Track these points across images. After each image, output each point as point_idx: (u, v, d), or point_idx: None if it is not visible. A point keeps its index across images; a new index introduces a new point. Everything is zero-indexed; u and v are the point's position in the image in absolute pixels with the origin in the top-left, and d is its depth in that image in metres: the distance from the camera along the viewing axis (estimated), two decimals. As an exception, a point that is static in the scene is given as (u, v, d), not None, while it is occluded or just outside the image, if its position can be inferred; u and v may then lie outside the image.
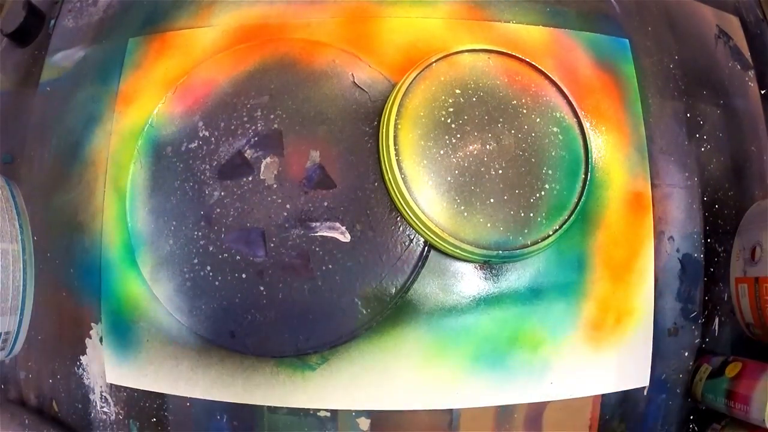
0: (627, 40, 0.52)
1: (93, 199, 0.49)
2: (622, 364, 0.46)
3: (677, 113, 0.51)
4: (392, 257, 0.45)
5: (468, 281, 0.45)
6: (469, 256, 0.43)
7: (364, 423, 0.44)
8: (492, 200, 0.43)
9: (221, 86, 0.48)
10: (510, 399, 0.45)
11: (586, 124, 0.46)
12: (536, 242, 0.43)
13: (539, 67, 0.47)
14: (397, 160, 0.42)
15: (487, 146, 0.44)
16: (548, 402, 0.45)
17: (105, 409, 0.49)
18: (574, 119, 0.46)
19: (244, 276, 0.45)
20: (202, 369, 0.45)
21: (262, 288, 0.45)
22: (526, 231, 0.43)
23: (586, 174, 0.45)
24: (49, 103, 0.54)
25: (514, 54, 0.47)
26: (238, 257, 0.45)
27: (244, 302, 0.45)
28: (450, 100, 0.44)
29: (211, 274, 0.45)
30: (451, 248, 0.43)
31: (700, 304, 0.49)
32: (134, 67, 0.51)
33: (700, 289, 0.49)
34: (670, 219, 0.49)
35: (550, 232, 0.43)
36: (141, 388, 0.47)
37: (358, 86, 0.47)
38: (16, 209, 0.51)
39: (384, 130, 0.44)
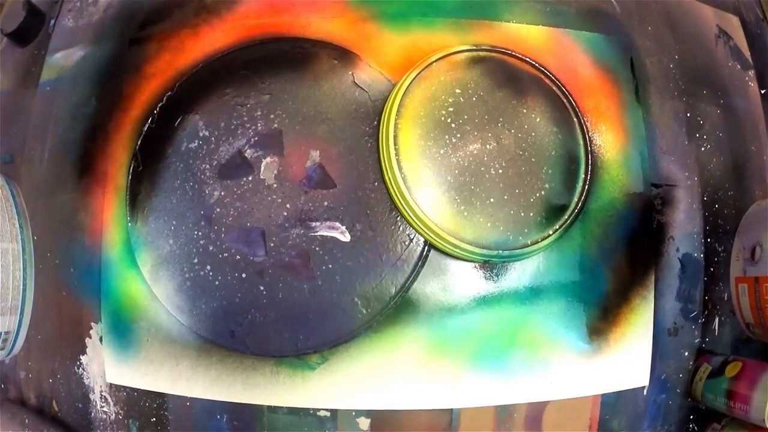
0: (627, 40, 0.52)
1: (93, 199, 0.49)
2: (622, 364, 0.46)
3: (677, 113, 0.51)
4: (392, 257, 0.45)
5: (468, 281, 0.45)
6: (469, 255, 0.43)
7: (364, 423, 0.44)
8: (492, 200, 0.43)
9: (221, 86, 0.48)
10: (510, 399, 0.45)
11: (587, 124, 0.46)
12: (536, 242, 0.43)
13: (539, 66, 0.47)
14: (397, 160, 0.42)
15: (487, 146, 0.44)
16: (548, 402, 0.45)
17: (105, 409, 0.49)
18: (575, 119, 0.46)
19: (244, 276, 0.45)
20: (202, 369, 0.45)
21: (262, 288, 0.45)
22: (526, 231, 0.43)
23: (586, 174, 0.45)
24: (49, 103, 0.54)
25: (514, 53, 0.47)
26: (238, 257, 0.45)
27: (244, 302, 0.45)
28: (450, 100, 0.44)
29: (211, 273, 0.45)
30: (451, 248, 0.43)
31: (700, 303, 0.49)
32: (134, 67, 0.51)
33: (700, 289, 0.49)
34: (671, 219, 0.49)
35: (550, 232, 0.43)
36: (141, 388, 0.47)
37: (358, 86, 0.47)
38: (16, 209, 0.51)
39: (384, 130, 0.44)
